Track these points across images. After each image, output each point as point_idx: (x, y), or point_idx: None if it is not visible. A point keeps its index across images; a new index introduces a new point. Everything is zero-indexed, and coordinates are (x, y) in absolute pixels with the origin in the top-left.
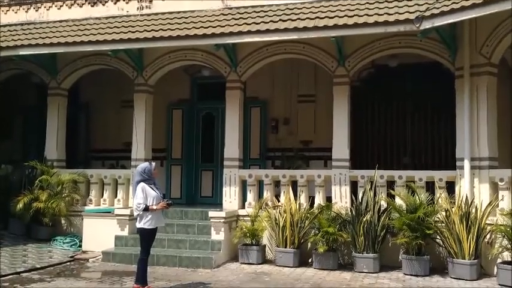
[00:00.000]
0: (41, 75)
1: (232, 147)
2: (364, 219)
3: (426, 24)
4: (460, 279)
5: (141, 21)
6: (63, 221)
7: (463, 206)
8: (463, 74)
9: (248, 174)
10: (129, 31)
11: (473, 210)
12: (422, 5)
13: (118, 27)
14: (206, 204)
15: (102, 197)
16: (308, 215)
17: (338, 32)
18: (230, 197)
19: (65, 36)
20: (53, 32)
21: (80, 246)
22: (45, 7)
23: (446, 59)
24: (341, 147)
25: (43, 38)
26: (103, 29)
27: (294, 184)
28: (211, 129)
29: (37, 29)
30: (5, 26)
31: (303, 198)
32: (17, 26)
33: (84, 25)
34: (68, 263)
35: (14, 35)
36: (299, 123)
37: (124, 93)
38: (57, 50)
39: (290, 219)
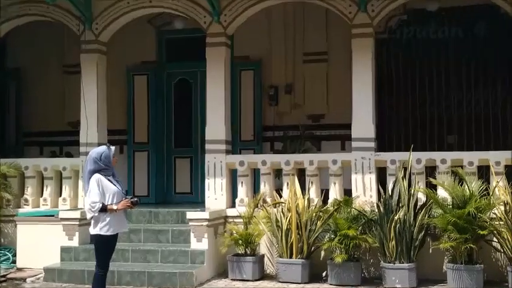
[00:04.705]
0: None
1: (216, 125)
2: (396, 218)
3: None
4: None
5: None
6: None
7: None
8: None
9: (239, 162)
10: None
11: None
12: None
13: None
14: (183, 202)
15: (42, 195)
16: (320, 213)
17: None
18: (215, 192)
19: None
20: None
21: (14, 261)
22: None
23: None
24: (364, 123)
25: None
26: None
27: (301, 173)
28: (187, 101)
29: None
30: None
31: (313, 192)
32: None
33: None
34: None
35: None
36: (306, 91)
37: (67, 55)
38: None
39: (296, 220)
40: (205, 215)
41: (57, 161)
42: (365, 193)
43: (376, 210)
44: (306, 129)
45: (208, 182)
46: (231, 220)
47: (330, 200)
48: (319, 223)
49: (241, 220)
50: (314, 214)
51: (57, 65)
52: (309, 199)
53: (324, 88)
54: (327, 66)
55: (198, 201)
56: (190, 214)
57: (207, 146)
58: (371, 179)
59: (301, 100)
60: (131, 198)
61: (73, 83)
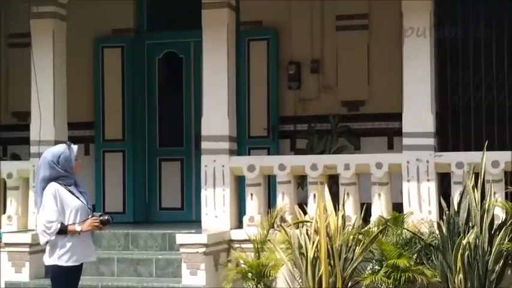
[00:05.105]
0: None
1: (216, 116)
2: (465, 242)
3: None
4: None
5: None
6: None
7: None
8: None
9: (247, 166)
10: None
11: None
12: None
13: None
14: (171, 222)
15: None
16: (360, 236)
17: None
18: (215, 207)
19: None
20: None
21: None
22: None
23: None
24: (419, 112)
25: None
26: None
27: (333, 182)
28: (176, 83)
29: None
30: None
31: (349, 207)
32: None
33: None
34: None
35: None
36: (340, 69)
37: (13, 22)
38: None
39: (327, 245)
40: (201, 238)
41: None
42: (421, 208)
43: (437, 231)
44: (339, 121)
45: (206, 193)
46: (237, 245)
47: (373, 218)
48: (358, 250)
49: (252, 245)
50: (351, 237)
51: None
52: (343, 217)
53: (364, 64)
54: (368, 35)
55: (192, 220)
56: (182, 237)
57: (204, 145)
58: (429, 188)
59: (332, 81)
60: (100, 215)
61: (21, 60)
